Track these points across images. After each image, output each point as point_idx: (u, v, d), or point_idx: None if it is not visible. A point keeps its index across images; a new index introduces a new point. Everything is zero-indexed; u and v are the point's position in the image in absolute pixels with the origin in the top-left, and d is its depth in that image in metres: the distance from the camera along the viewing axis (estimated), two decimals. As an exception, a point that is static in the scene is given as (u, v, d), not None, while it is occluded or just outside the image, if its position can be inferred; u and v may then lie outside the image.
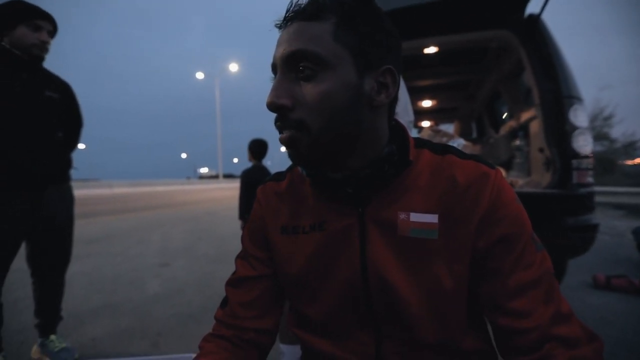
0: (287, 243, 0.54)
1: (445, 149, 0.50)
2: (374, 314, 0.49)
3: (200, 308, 2.22)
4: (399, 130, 0.51)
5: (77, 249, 3.97)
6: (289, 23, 0.45)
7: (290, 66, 0.43)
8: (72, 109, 1.59)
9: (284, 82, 0.44)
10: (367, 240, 0.48)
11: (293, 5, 0.44)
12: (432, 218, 0.46)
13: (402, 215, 0.47)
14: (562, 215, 1.79)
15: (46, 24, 1.37)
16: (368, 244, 0.48)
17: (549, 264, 0.44)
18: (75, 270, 3.08)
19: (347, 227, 0.49)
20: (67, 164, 1.56)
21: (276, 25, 0.46)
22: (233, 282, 0.58)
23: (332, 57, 0.42)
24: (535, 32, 2.13)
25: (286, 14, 0.45)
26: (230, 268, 0.62)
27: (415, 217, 0.46)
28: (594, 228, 1.77)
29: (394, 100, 0.49)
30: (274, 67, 0.46)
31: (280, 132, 0.45)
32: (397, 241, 0.47)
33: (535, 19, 2.13)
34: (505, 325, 0.44)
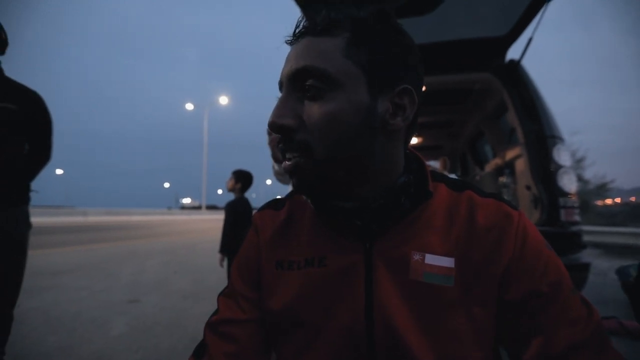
0: (280, 280, 0.46)
1: (463, 185, 0.46)
2: None
3: (168, 351, 2.00)
4: (414, 159, 0.47)
5: (37, 282, 3.70)
6: (299, 39, 0.42)
7: (296, 84, 0.40)
8: (37, 121, 1.44)
9: (288, 101, 0.40)
10: (374, 281, 0.41)
11: (304, 20, 0.42)
12: (449, 262, 0.40)
13: (417, 256, 0.41)
14: None
15: None
16: (375, 285, 0.41)
17: (596, 319, 0.38)
18: (30, 306, 2.77)
19: (352, 265, 0.42)
20: (24, 183, 1.41)
21: (286, 42, 0.44)
22: (214, 326, 0.47)
23: (341, 75, 0.38)
24: (516, 75, 2.24)
25: (296, 29, 0.42)
26: (206, 304, 0.52)
27: (430, 259, 0.40)
28: (586, 267, 1.74)
29: (412, 125, 0.44)
30: (281, 85, 0.43)
31: (284, 157, 0.41)
32: (408, 285, 0.40)
33: (516, 64, 2.26)
34: None
